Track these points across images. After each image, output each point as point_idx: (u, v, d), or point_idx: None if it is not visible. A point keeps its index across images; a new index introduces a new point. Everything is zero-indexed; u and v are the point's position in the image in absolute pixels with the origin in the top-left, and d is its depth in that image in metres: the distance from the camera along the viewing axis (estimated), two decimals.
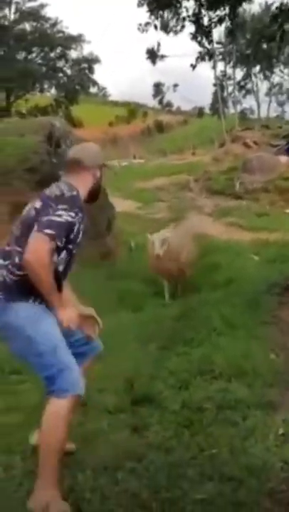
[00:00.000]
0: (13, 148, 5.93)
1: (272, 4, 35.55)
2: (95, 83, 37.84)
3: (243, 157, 16.91)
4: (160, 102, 64.39)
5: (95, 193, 2.24)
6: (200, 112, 60.33)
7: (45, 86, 35.21)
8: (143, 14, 6.39)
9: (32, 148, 6.06)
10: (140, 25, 6.37)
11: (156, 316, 4.10)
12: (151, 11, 6.14)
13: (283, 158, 15.49)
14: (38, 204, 2.03)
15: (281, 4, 5.40)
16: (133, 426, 2.54)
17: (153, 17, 6.21)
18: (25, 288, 1.95)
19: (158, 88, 62.85)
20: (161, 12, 6.21)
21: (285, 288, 5.00)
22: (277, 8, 5.65)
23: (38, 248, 1.88)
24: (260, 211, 11.76)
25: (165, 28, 8.60)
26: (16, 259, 1.98)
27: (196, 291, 4.78)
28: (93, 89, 38.76)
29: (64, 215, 1.95)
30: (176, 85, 56.99)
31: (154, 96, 63.73)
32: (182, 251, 5.37)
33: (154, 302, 4.59)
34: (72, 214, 1.98)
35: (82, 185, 2.15)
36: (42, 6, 33.05)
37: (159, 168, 19.43)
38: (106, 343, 3.62)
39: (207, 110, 57.07)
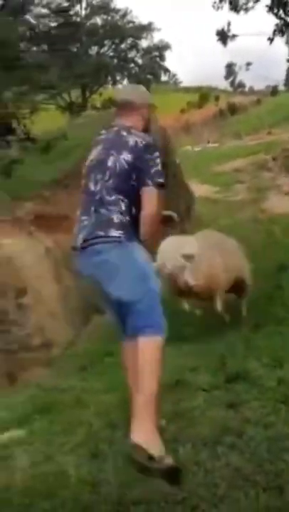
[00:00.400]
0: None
1: None
2: (166, 70, 37.74)
3: None
4: (232, 83, 62.70)
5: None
6: (274, 90, 57.81)
7: (118, 78, 35.71)
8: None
9: None
10: (215, 2, 6.26)
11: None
12: None
13: None
14: (127, 156, 2.16)
15: None
16: (229, 403, 2.56)
17: None
18: (135, 230, 2.15)
19: (230, 69, 61.23)
20: None
21: None
22: None
23: (155, 203, 2.11)
24: None
25: (235, 7, 8.36)
26: (123, 206, 2.15)
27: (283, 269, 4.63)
28: (164, 77, 38.61)
29: (160, 162, 2.15)
30: (248, 64, 55.21)
31: (226, 77, 62.19)
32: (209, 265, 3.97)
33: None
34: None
35: (136, 126, 2.28)
36: None
37: (234, 150, 18.96)
38: (196, 325, 3.68)
39: (281, 87, 54.53)
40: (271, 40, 6.75)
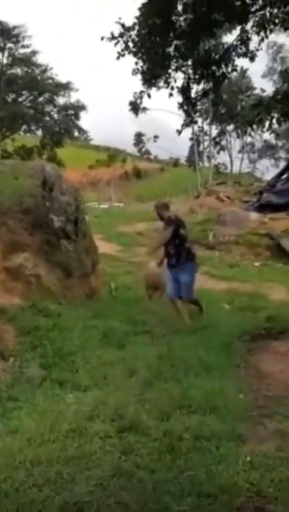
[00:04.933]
0: (10, 190, 6.35)
1: (247, 69, 38.07)
2: (80, 130, 39.21)
3: (217, 210, 17.84)
4: (140, 150, 66.79)
5: None
6: (176, 162, 62.82)
7: (33, 128, 36.28)
8: (130, 64, 7.00)
9: (28, 191, 6.49)
10: (135, 93, 7.10)
11: (138, 354, 4.48)
12: (145, 80, 6.89)
13: (253, 215, 16.46)
14: None
15: (260, 97, 6.21)
16: (122, 450, 2.89)
17: (146, 85, 6.95)
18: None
19: (139, 138, 65.35)
20: (154, 81, 6.95)
21: (253, 336, 5.50)
22: (256, 99, 6.52)
23: None
24: (232, 262, 12.45)
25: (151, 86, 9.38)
26: None
27: (175, 333, 5.20)
28: (77, 133, 40.04)
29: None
30: (156, 137, 59.53)
31: (135, 145, 66.14)
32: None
33: (136, 341, 4.97)
34: None
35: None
36: (34, 52, 34.63)
37: (138, 213, 20.15)
38: (94, 376, 4.00)
39: (183, 161, 59.51)
40: (180, 132, 7.84)
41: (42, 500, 2.33)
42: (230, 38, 7.51)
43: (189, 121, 7.85)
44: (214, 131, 48.33)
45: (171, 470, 2.69)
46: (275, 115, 5.99)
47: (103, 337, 4.97)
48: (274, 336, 5.72)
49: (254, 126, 6.45)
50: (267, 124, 6.00)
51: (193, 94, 7.23)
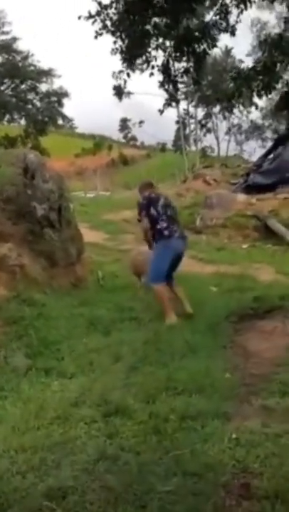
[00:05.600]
0: None
1: (232, 48, 37.73)
2: (64, 117, 38.76)
3: (204, 194, 17.78)
4: (125, 136, 66.27)
5: None
6: (162, 148, 62.46)
7: (16, 117, 35.76)
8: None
9: (9, 179, 6.39)
10: (114, 73, 6.95)
11: (124, 340, 4.48)
12: (124, 60, 6.75)
13: (240, 196, 16.41)
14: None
15: (239, 69, 6.15)
16: (107, 434, 2.89)
17: (125, 64, 6.81)
18: None
19: (124, 123, 64.82)
20: (133, 60, 6.81)
21: (240, 316, 5.52)
22: (235, 72, 6.41)
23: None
24: (219, 245, 12.43)
25: (130, 65, 9.24)
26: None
27: (161, 318, 5.19)
28: (61, 121, 39.59)
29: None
30: (141, 122, 59.04)
31: (121, 130, 65.61)
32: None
33: (123, 327, 4.96)
34: None
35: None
36: (14, 39, 34.01)
37: (124, 201, 20.04)
38: (80, 363, 4.00)
39: (170, 146, 59.20)
40: (161, 112, 7.72)
41: (26, 487, 2.32)
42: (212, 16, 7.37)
43: (171, 101, 7.72)
44: (200, 113, 48.11)
45: (157, 451, 2.69)
46: (255, 88, 5.90)
47: (89, 325, 4.95)
48: (260, 316, 5.74)
49: (234, 102, 6.35)
50: (247, 98, 5.89)
51: (174, 73, 7.11)
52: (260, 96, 6.19)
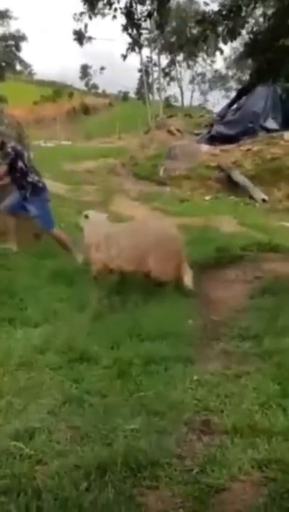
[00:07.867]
0: None
1: None
2: (21, 61, 36.74)
3: (167, 144, 17.55)
4: (86, 84, 63.63)
5: None
6: (125, 96, 60.53)
7: None
8: None
9: None
10: (75, 14, 6.58)
11: (89, 290, 4.49)
12: (86, 1, 6.37)
13: (204, 147, 16.32)
14: None
15: (204, 12, 5.93)
16: (72, 379, 2.94)
17: (87, 6, 6.44)
18: None
19: (85, 70, 62.07)
20: (95, 2, 6.45)
21: (203, 266, 5.62)
22: (201, 15, 6.17)
23: None
24: (183, 197, 12.47)
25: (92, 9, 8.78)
26: None
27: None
28: (19, 67, 37.48)
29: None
30: (102, 68, 56.72)
31: (82, 78, 62.89)
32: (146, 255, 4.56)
33: (87, 278, 4.95)
34: None
35: None
36: None
37: (86, 150, 19.55)
38: (44, 312, 3.99)
39: (132, 95, 57.49)
40: (125, 57, 7.42)
41: None
42: None
43: (134, 45, 7.41)
44: (164, 61, 46.58)
45: (122, 394, 2.77)
46: (221, 33, 5.75)
47: (52, 276, 4.91)
48: (223, 265, 5.88)
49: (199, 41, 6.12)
50: (212, 42, 5.73)
51: (138, 16, 6.79)
52: (225, 41, 6.04)
